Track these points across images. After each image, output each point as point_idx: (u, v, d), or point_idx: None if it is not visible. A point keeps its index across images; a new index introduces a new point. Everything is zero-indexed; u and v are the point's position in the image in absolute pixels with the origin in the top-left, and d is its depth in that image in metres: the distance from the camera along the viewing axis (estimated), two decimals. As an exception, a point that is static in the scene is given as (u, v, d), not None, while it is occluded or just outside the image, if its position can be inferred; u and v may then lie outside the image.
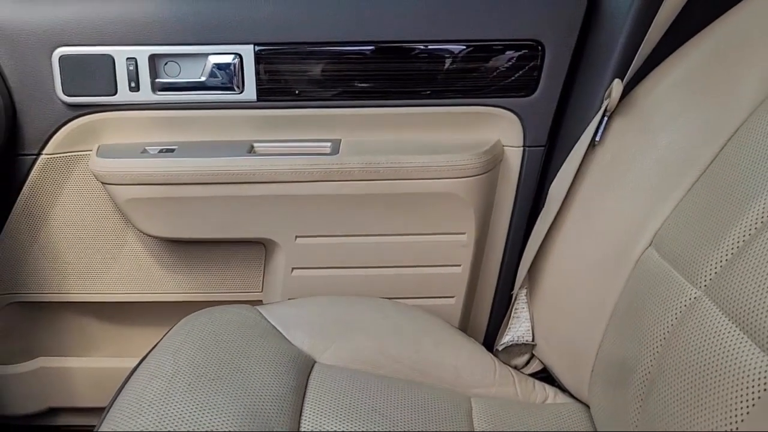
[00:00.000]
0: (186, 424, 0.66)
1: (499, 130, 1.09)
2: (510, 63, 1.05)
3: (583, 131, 0.95)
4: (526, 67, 1.05)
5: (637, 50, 0.90)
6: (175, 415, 0.67)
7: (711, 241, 0.73)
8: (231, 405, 0.70)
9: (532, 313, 1.00)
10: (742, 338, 0.61)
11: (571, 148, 0.97)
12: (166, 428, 0.65)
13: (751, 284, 0.63)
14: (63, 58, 1.01)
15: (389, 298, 1.08)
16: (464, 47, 1.04)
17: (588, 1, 1.02)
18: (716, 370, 0.62)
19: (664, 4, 0.87)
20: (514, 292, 1.01)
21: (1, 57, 1.01)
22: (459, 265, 1.10)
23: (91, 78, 1.03)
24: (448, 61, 1.04)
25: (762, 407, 0.53)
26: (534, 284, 1.00)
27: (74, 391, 1.17)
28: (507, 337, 1.00)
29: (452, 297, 1.12)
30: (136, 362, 0.93)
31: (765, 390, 0.54)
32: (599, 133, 0.92)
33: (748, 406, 0.57)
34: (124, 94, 1.04)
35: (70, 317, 1.18)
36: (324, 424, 0.76)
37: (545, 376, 1.01)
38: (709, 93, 0.85)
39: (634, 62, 0.90)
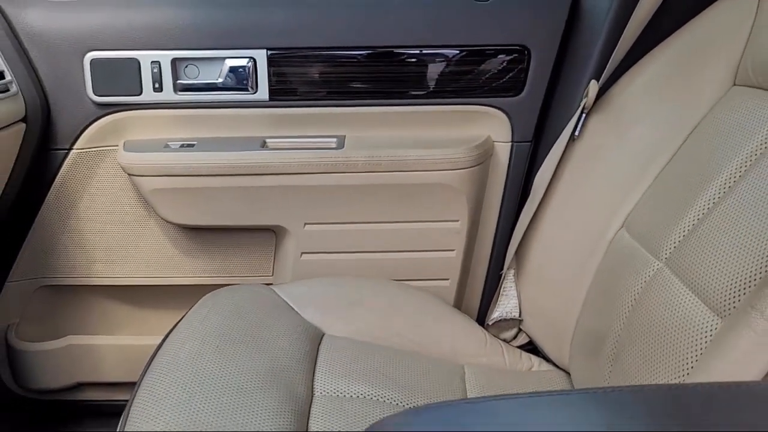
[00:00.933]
0: (217, 378, 0.76)
1: (489, 126, 1.19)
2: (499, 66, 1.15)
3: (565, 127, 1.05)
4: (514, 70, 1.15)
5: (612, 55, 1.00)
6: (207, 371, 0.77)
7: (672, 220, 0.83)
8: (255, 364, 0.80)
9: (518, 291, 1.10)
10: (695, 301, 0.71)
11: (554, 143, 1.07)
12: (200, 382, 0.74)
13: (703, 255, 0.74)
14: (93, 62, 1.11)
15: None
16: (458, 52, 1.14)
17: (569, 11, 1.12)
18: (673, 330, 0.72)
19: (634, 14, 0.97)
20: (503, 272, 1.11)
21: (37, 60, 1.11)
22: (453, 250, 1.20)
23: (119, 79, 1.12)
24: (443, 65, 1.15)
25: (706, 356, 0.62)
26: (520, 265, 1.10)
27: (100, 367, 1.27)
28: (496, 313, 1.11)
29: (447, 279, 1.22)
30: (158, 340, 1.03)
31: (709, 341, 0.64)
32: (578, 129, 1.02)
33: (696, 358, 0.67)
34: (148, 94, 1.13)
35: (96, 299, 1.27)
36: (334, 383, 0.86)
37: (531, 347, 1.11)
38: (675, 93, 0.96)
39: (608, 66, 1.00)
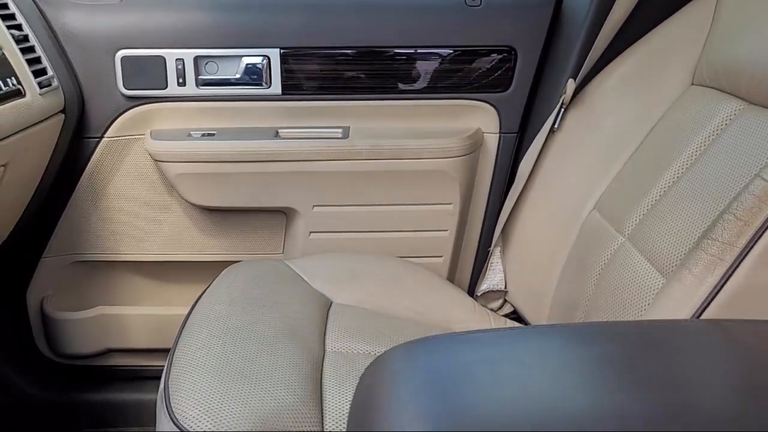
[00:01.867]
0: (245, 333, 0.88)
1: (479, 119, 1.31)
2: (489, 65, 1.27)
3: (546, 120, 1.17)
4: (502, 68, 1.27)
5: (587, 56, 1.12)
6: (236, 327, 0.89)
7: (635, 201, 0.96)
8: (276, 323, 0.93)
9: (504, 266, 1.23)
10: (648, 266, 0.84)
11: (537, 134, 1.20)
12: (231, 335, 0.87)
13: (657, 229, 0.86)
14: (124, 59, 1.23)
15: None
16: (451, 51, 1.26)
17: (552, 16, 1.24)
18: (629, 293, 0.85)
19: (607, 20, 1.09)
20: (490, 249, 1.23)
21: (73, 57, 1.22)
22: (446, 230, 1.32)
23: (147, 75, 1.24)
24: (437, 63, 1.27)
25: (649, 309, 0.74)
26: (506, 243, 1.23)
27: (128, 335, 1.39)
28: (484, 285, 1.23)
29: (441, 256, 1.34)
30: (180, 310, 1.14)
31: (653, 296, 0.77)
32: (557, 122, 1.14)
33: (642, 311, 0.80)
34: (173, 88, 1.25)
35: (124, 273, 1.39)
36: (342, 342, 0.98)
37: (515, 316, 1.24)
38: (641, 91, 1.08)
39: (584, 66, 1.12)
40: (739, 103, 0.89)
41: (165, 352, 1.33)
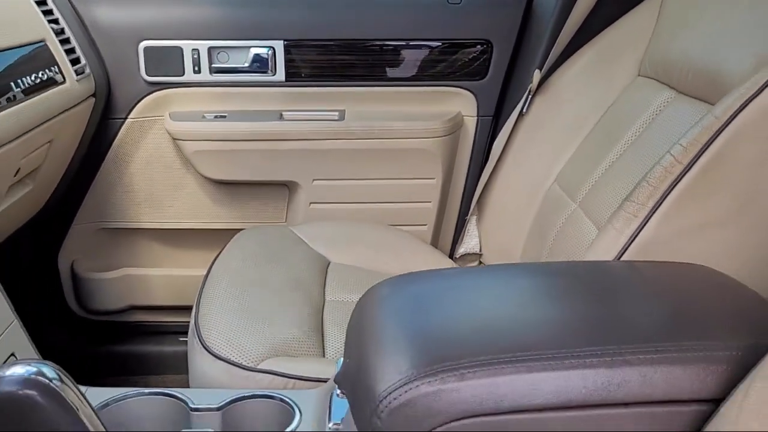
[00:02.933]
0: (258, 282, 1.04)
1: (459, 104, 1.47)
2: (468, 56, 1.43)
3: (516, 105, 1.33)
4: (480, 59, 1.43)
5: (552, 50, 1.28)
6: (251, 278, 1.06)
7: (588, 173, 1.12)
8: (284, 276, 1.09)
9: (479, 232, 1.39)
10: (590, 226, 1.00)
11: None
12: (247, 284, 1.03)
13: (601, 195, 1.03)
14: (146, 49, 1.38)
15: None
16: (435, 44, 1.42)
17: (523, 13, 1.40)
18: (574, 249, 1.01)
19: (569, 18, 1.25)
20: (468, 217, 1.40)
21: (102, 47, 1.37)
22: (430, 201, 1.49)
23: (166, 63, 1.39)
24: (423, 54, 1.42)
25: (585, 255, 0.90)
26: (481, 212, 1.39)
27: (149, 293, 1.55)
28: (462, 249, 1.40)
29: (425, 224, 1.51)
30: (195, 271, 1.29)
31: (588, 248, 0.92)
32: (525, 107, 1.30)
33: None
34: (189, 75, 1.40)
35: (145, 239, 1.55)
36: (339, 294, 1.15)
37: (488, 275, 1.40)
38: (597, 80, 1.24)
39: (549, 58, 1.28)
40: (671, 93, 1.05)
41: (182, 309, 1.50)
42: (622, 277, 0.70)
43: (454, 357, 0.55)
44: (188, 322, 1.03)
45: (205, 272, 1.16)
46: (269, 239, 1.25)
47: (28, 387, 0.56)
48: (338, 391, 0.66)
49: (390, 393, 0.54)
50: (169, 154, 1.46)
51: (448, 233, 1.55)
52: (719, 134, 0.76)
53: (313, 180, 1.46)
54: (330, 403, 0.70)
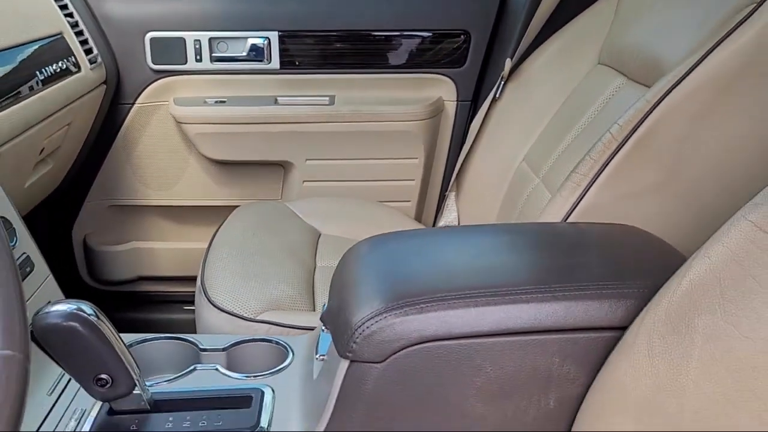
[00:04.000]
0: (257, 248, 1.17)
1: (440, 90, 1.59)
2: (448, 45, 1.55)
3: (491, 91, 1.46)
4: (459, 49, 1.55)
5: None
6: (251, 244, 1.18)
7: (550, 152, 1.25)
8: (279, 244, 1.22)
9: (457, 206, 1.52)
10: (549, 197, 1.13)
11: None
12: (248, 249, 1.16)
13: (560, 169, 1.15)
14: (152, 39, 1.49)
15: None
16: (418, 34, 1.53)
17: (498, 7, 1.52)
18: (535, 218, 1.14)
19: (537, 11, 1.37)
20: (447, 193, 1.53)
21: (111, 39, 1.49)
22: (413, 179, 1.61)
23: (170, 52, 1.51)
24: (406, 43, 1.54)
25: (539, 219, 1.03)
26: (459, 188, 1.52)
27: (155, 264, 1.68)
28: (441, 222, 1.53)
29: (409, 200, 1.63)
30: (197, 245, 1.42)
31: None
32: (498, 93, 1.43)
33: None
34: (191, 64, 1.52)
35: (151, 215, 1.67)
36: (328, 260, 1.28)
37: (465, 246, 1.53)
38: (562, 67, 1.36)
39: (519, 48, 1.40)
40: (623, 79, 1.17)
41: (186, 279, 1.63)
42: (564, 235, 0.83)
43: (415, 294, 0.68)
44: (192, 291, 1.15)
45: (206, 245, 1.29)
46: (266, 213, 1.38)
47: (70, 319, 0.68)
48: (323, 327, 0.79)
49: (363, 323, 0.67)
50: (174, 136, 1.58)
51: (431, 208, 1.68)
52: (649, 115, 0.89)
53: (306, 160, 1.58)
54: (317, 341, 0.82)
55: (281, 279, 1.11)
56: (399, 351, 0.67)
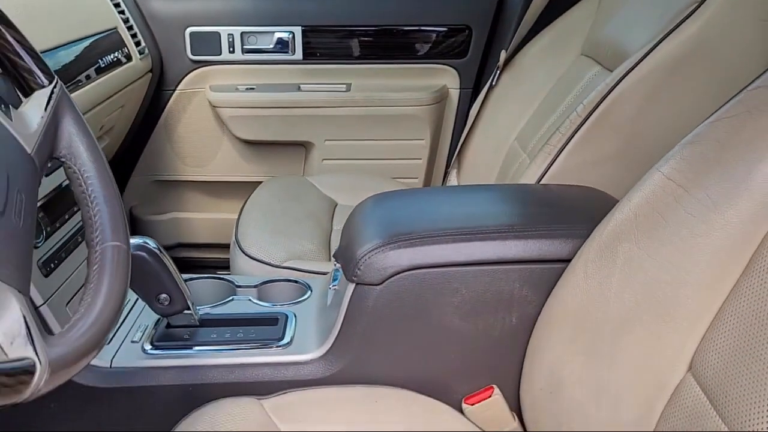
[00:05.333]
0: (283, 211, 1.35)
1: (445, 78, 1.76)
2: (452, 39, 1.71)
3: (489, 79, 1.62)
4: (462, 42, 1.72)
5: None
6: (277, 208, 1.37)
7: (537, 131, 1.41)
8: (302, 209, 1.40)
9: (458, 181, 1.69)
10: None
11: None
12: (276, 211, 1.34)
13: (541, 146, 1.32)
14: (191, 33, 1.68)
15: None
16: (427, 29, 1.70)
17: (497, 5, 1.68)
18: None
19: (530, 7, 1.53)
20: (449, 170, 1.70)
21: (156, 33, 1.68)
22: (420, 159, 1.79)
23: (207, 45, 1.70)
24: (415, 37, 1.71)
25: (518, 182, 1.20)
26: (460, 166, 1.68)
27: (193, 232, 1.87)
28: (444, 195, 1.70)
29: (416, 177, 1.81)
30: (229, 215, 1.61)
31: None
32: (495, 80, 1.59)
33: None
34: (225, 55, 1.71)
35: (189, 189, 1.87)
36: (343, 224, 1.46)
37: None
38: (551, 58, 1.52)
39: (513, 40, 1.56)
40: (598, 68, 1.33)
41: (219, 246, 1.82)
42: (532, 192, 1.01)
43: (406, 233, 0.86)
44: (224, 258, 1.33)
45: (237, 216, 1.48)
46: (290, 185, 1.56)
47: (139, 250, 0.87)
48: (336, 264, 0.97)
49: (366, 254, 0.85)
50: (209, 119, 1.77)
51: (436, 184, 1.85)
52: (608, 95, 1.05)
53: (325, 140, 1.76)
54: (331, 277, 1.01)
55: (303, 237, 1.29)
56: (393, 276, 0.84)
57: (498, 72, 1.59)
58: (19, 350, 0.42)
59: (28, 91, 0.62)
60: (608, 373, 0.74)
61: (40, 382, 0.42)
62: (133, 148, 1.77)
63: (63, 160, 0.62)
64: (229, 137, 1.79)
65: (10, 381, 0.40)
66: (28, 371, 0.41)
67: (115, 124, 1.52)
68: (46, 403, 0.85)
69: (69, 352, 0.45)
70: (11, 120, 0.56)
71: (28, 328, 0.44)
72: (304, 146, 1.80)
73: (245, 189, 1.81)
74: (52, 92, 0.61)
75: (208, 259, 1.89)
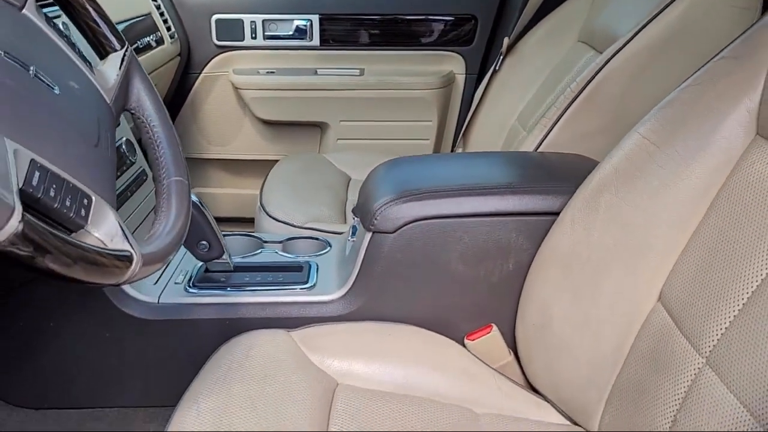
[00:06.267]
0: (301, 181, 1.47)
1: (452, 64, 1.87)
2: (459, 27, 1.82)
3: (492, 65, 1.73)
4: (468, 30, 1.83)
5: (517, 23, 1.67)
6: (296, 179, 1.48)
7: (536, 110, 1.52)
8: (319, 180, 1.51)
9: (463, 160, 1.80)
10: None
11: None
12: (295, 182, 1.46)
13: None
14: (217, 20, 1.80)
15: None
16: (435, 18, 1.81)
17: (500, -5, 1.79)
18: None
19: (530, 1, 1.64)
20: (455, 149, 1.81)
21: (184, 19, 1.80)
22: (428, 139, 1.90)
23: (231, 31, 1.81)
24: (425, 25, 1.82)
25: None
26: (465, 145, 1.80)
27: (217, 206, 1.99)
28: (450, 173, 1.81)
29: (424, 157, 1.92)
30: (251, 190, 1.72)
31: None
32: (498, 65, 1.70)
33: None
34: (248, 41, 1.82)
35: (213, 167, 1.98)
36: (356, 194, 1.57)
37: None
38: (549, 45, 1.63)
39: (515, 28, 1.67)
40: (593, 52, 1.44)
41: (240, 220, 1.94)
42: (529, 158, 1.12)
43: (416, 189, 0.97)
44: (245, 231, 1.44)
45: (258, 192, 1.59)
46: (308, 160, 1.68)
47: (183, 202, 0.99)
48: (354, 218, 1.08)
49: (381, 206, 0.96)
50: (232, 100, 1.89)
51: (442, 164, 1.96)
52: (595, 76, 1.16)
53: (340, 121, 1.87)
54: (349, 233, 1.12)
55: (321, 203, 1.40)
56: (405, 225, 0.95)
57: (501, 58, 1.70)
58: (118, 245, 0.54)
59: (103, 54, 0.73)
60: (591, 308, 0.85)
61: (136, 269, 0.53)
62: (162, 126, 1.88)
63: (133, 112, 0.73)
64: (250, 118, 1.90)
65: (115, 263, 0.52)
66: (128, 259, 0.53)
67: (148, 102, 1.63)
68: (102, 332, 0.97)
69: (156, 250, 0.57)
70: (95, 75, 0.68)
71: (123, 230, 0.55)
72: (319, 126, 1.92)
73: (264, 167, 1.93)
74: (124, 55, 0.73)
75: (232, 234, 2.00)
